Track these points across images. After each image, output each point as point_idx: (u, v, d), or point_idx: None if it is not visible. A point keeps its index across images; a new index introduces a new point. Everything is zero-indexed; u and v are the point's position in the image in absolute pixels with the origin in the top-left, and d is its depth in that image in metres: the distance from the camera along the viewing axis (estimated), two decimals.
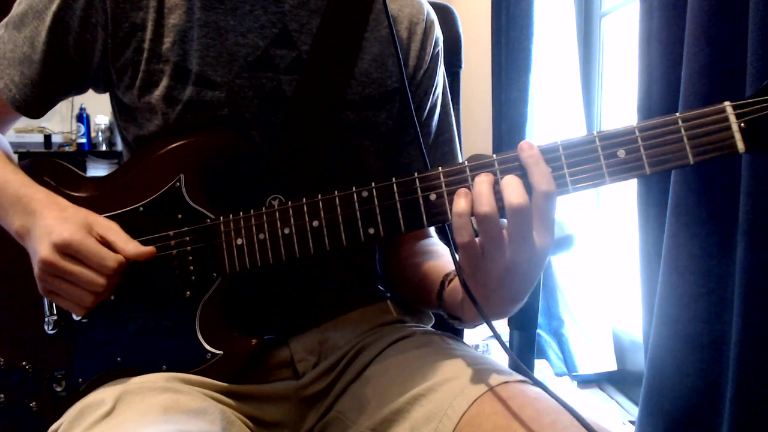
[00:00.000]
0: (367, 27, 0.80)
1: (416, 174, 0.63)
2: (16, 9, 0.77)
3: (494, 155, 0.61)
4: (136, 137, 0.78)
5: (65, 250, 0.65)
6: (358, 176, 0.67)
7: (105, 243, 0.68)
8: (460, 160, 0.89)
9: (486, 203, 0.58)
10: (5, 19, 0.79)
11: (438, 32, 0.88)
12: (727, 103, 0.55)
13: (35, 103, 0.78)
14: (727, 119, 0.55)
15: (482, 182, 0.59)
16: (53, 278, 0.67)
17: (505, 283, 0.60)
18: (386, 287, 0.91)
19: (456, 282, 0.70)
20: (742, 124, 0.55)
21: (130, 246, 0.68)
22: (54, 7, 0.73)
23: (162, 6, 0.73)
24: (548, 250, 0.59)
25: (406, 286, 0.85)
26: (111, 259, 0.66)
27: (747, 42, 0.92)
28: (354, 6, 0.79)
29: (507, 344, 0.65)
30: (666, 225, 1.13)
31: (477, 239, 0.60)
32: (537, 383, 0.63)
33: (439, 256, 0.81)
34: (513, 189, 0.58)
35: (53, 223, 0.67)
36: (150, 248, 0.69)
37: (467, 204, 0.59)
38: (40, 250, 0.66)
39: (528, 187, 0.58)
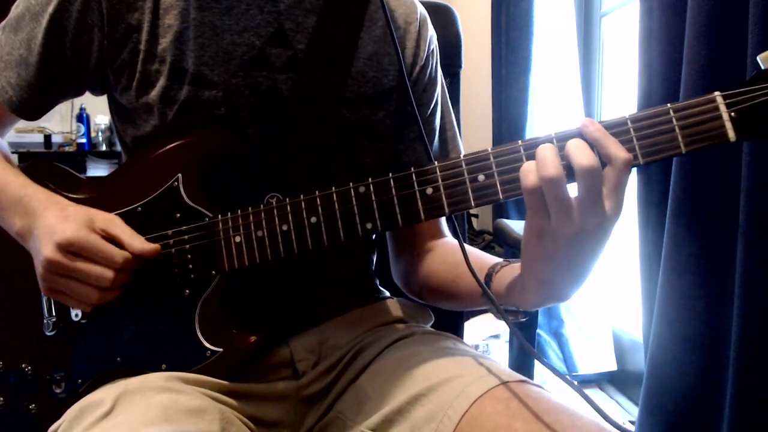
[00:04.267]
0: (362, 27, 0.80)
1: (413, 169, 0.64)
2: (14, 11, 0.77)
3: (489, 149, 0.61)
4: (134, 138, 0.78)
5: (69, 248, 0.66)
6: (355, 175, 0.67)
7: (109, 238, 0.68)
8: None
9: (551, 166, 0.56)
10: (3, 22, 0.78)
11: (431, 30, 0.88)
12: (717, 93, 0.56)
13: (32, 106, 0.78)
14: (717, 109, 0.56)
15: (545, 148, 0.57)
16: (58, 277, 0.67)
17: (571, 254, 0.58)
18: (389, 288, 0.91)
19: (503, 271, 0.69)
20: (733, 114, 0.55)
21: (136, 242, 0.69)
22: (50, 9, 0.73)
23: (157, 7, 0.73)
24: (616, 219, 0.57)
25: (437, 287, 0.82)
26: (117, 254, 0.67)
27: (747, 42, 0.92)
28: (350, 6, 0.79)
29: (528, 343, 0.63)
30: (666, 225, 1.13)
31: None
32: (576, 388, 0.62)
33: (471, 250, 0.79)
34: (580, 151, 0.56)
35: (55, 223, 0.67)
36: (155, 245, 0.69)
37: (533, 164, 0.57)
38: (44, 249, 0.66)
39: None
